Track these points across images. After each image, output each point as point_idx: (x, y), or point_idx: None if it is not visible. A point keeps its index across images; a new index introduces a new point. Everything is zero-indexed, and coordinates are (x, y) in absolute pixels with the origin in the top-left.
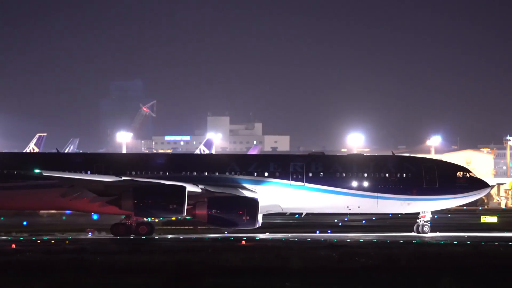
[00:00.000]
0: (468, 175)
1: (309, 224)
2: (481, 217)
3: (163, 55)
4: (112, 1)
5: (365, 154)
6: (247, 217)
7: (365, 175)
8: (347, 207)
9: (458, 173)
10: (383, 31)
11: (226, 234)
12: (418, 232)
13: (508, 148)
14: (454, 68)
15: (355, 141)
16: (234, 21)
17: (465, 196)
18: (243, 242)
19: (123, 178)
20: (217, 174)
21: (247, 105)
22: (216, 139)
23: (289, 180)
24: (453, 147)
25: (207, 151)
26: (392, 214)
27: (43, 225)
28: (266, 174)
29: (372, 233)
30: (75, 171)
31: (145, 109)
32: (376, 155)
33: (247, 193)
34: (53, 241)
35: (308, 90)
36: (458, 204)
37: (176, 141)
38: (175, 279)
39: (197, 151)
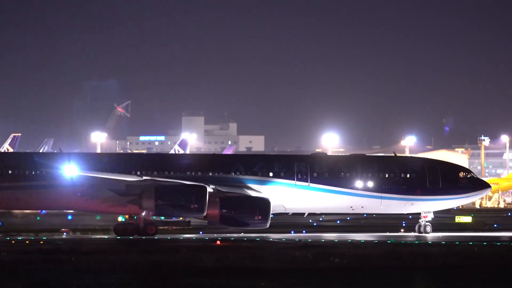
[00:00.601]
0: (469, 175)
1: (284, 224)
2: (456, 217)
3: (137, 55)
4: (86, 2)
5: (368, 154)
6: (259, 217)
7: (370, 175)
8: (351, 207)
9: (460, 174)
10: (355, 31)
11: (200, 235)
12: (420, 232)
13: (483, 148)
14: (429, 69)
15: (330, 141)
16: (207, 21)
17: (467, 196)
18: (218, 242)
19: (144, 177)
20: (221, 174)
21: (222, 105)
22: (190, 139)
23: (294, 180)
24: (427, 147)
25: (181, 151)
26: (394, 214)
27: (18, 225)
28: (270, 174)
29: (365, 233)
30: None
31: (119, 109)
32: (379, 156)
33: (252, 193)
34: (27, 241)
35: (283, 90)
36: (460, 204)
37: (151, 141)
38: (149, 279)
39: (172, 151)
